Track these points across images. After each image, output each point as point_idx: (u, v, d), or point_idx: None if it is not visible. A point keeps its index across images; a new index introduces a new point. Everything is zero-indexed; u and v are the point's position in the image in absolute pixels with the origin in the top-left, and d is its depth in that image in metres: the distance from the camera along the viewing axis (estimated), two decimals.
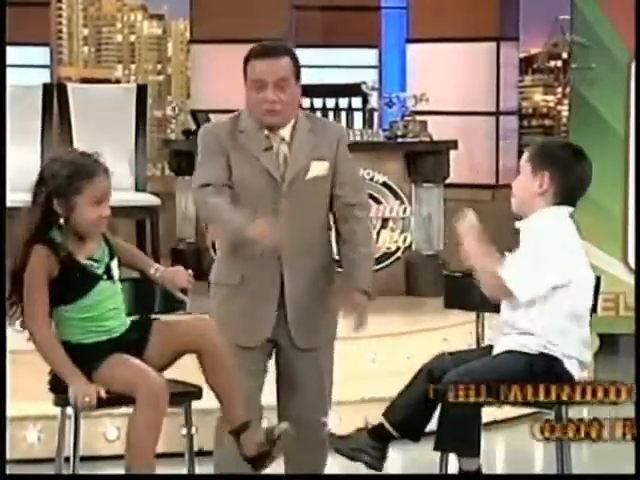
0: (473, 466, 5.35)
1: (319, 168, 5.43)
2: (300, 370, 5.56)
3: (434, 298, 8.43)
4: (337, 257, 5.66)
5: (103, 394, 4.77)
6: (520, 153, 12.41)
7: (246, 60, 5.40)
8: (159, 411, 4.79)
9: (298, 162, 5.42)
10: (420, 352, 6.01)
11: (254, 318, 5.46)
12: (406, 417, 5.38)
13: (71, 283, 4.72)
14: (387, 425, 5.37)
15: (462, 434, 5.26)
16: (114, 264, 4.87)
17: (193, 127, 10.28)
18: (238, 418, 4.97)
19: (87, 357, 4.85)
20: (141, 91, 9.88)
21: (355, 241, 5.50)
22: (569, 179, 5.23)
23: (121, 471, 4.88)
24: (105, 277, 4.80)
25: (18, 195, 8.18)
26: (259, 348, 5.50)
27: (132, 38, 12.59)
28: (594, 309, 5.48)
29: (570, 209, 5.29)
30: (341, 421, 6.20)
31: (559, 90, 11.18)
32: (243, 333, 5.47)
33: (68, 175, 4.72)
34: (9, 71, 9.54)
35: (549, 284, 5.10)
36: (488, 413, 5.94)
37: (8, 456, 6.35)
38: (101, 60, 12.28)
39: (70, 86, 9.78)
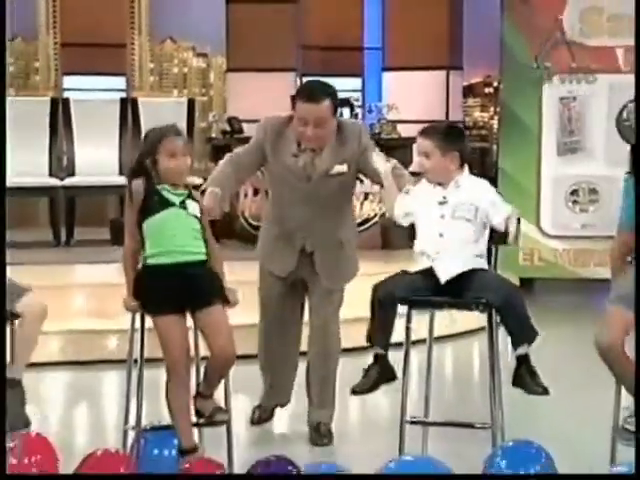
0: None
1: (340, 168, 5.25)
2: (320, 297, 5.42)
3: (402, 250, 7.85)
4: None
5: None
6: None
7: (295, 97, 5.25)
8: (182, 381, 4.48)
9: (322, 167, 5.24)
10: None
11: (283, 257, 5.37)
12: (387, 337, 4.84)
13: (149, 202, 4.48)
14: (378, 350, 4.84)
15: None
16: (192, 203, 4.57)
17: (228, 129, 10.54)
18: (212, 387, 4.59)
19: (150, 275, 4.52)
20: (190, 103, 10.06)
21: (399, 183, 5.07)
22: (466, 149, 4.94)
23: None
24: (178, 205, 4.51)
25: (100, 178, 8.77)
26: (289, 279, 5.41)
27: (185, 70, 12.55)
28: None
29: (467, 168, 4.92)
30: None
31: (492, 109, 11.36)
32: (276, 266, 5.41)
33: (149, 139, 4.56)
34: (98, 94, 9.80)
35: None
36: (442, 328, 6.00)
37: (95, 358, 6.88)
38: (162, 86, 12.21)
39: (140, 100, 10.07)
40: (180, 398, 4.47)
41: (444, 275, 4.79)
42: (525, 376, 4.75)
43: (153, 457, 4.53)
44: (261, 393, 5.70)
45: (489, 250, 5.00)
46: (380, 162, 5.07)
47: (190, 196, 4.59)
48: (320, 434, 5.43)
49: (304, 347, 5.62)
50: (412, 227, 9.21)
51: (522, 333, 4.74)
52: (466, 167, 4.88)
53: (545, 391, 4.73)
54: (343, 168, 5.27)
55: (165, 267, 4.48)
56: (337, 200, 5.37)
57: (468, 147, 5.14)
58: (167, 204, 4.50)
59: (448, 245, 4.78)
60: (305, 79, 5.51)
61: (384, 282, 4.83)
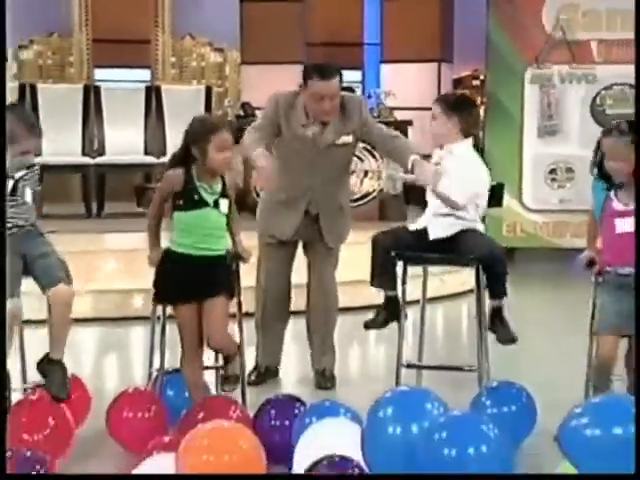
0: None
1: (345, 139, 5.23)
2: (321, 256, 5.43)
3: (397, 221, 7.61)
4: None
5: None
6: None
7: (307, 75, 5.14)
8: (194, 361, 4.46)
9: (328, 138, 5.21)
10: None
11: (287, 220, 5.32)
12: (393, 280, 4.85)
13: (186, 197, 4.31)
14: (389, 292, 4.87)
15: None
16: (224, 201, 4.39)
17: (242, 113, 10.52)
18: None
19: (171, 262, 4.39)
20: (208, 91, 10.11)
21: (402, 145, 5.14)
22: (471, 119, 4.83)
23: None
24: (212, 206, 4.35)
25: (127, 157, 8.69)
26: (288, 244, 5.41)
27: (203, 64, 12.54)
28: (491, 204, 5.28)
29: (471, 140, 4.86)
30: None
31: (479, 99, 11.33)
32: (278, 230, 5.36)
33: (201, 129, 4.33)
34: (127, 85, 9.72)
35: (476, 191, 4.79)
36: (435, 288, 6.00)
37: (123, 314, 6.88)
38: (182, 78, 12.20)
39: (163, 87, 10.06)
40: (193, 374, 4.47)
41: (432, 235, 4.79)
42: (497, 325, 4.80)
43: (174, 393, 4.57)
44: (255, 354, 5.57)
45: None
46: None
47: (223, 194, 4.39)
48: (325, 378, 5.44)
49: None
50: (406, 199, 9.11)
51: (498, 288, 4.76)
52: (469, 139, 4.80)
53: (512, 340, 4.78)
54: (348, 139, 5.24)
55: (188, 257, 4.35)
56: (339, 168, 5.36)
57: (475, 119, 4.98)
58: (202, 204, 4.34)
59: (439, 203, 4.75)
60: None
61: (385, 234, 4.84)
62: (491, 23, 9.40)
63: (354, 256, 5.64)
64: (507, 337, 4.81)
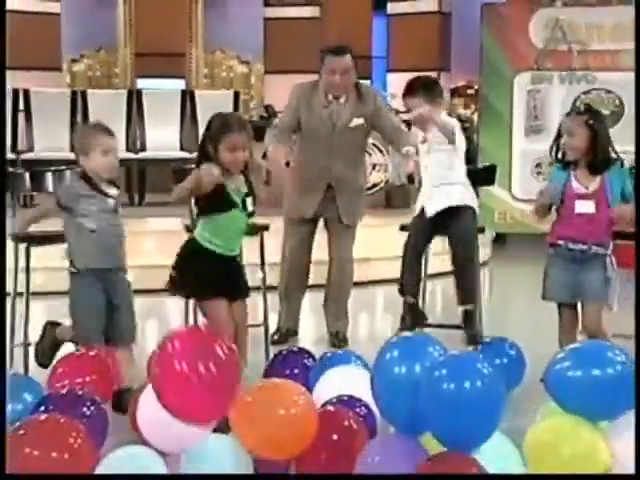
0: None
1: (357, 122, 5.23)
2: (339, 233, 5.39)
3: (401, 209, 8.58)
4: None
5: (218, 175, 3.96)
6: None
7: (323, 55, 5.21)
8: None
9: (344, 117, 5.21)
10: (394, 231, 5.41)
11: (309, 201, 5.31)
12: (417, 287, 4.93)
13: (218, 199, 4.01)
14: (409, 299, 4.90)
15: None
16: (249, 200, 4.10)
17: (265, 114, 10.57)
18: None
19: (205, 257, 4.09)
20: (236, 95, 10.01)
21: (403, 136, 5.23)
22: (431, 93, 4.83)
23: None
24: (240, 207, 4.08)
25: (165, 152, 8.60)
26: (310, 220, 5.39)
27: (231, 74, 12.61)
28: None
29: (443, 112, 4.96)
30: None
31: (473, 106, 11.28)
32: (302, 209, 5.34)
33: (213, 128, 4.03)
34: (167, 95, 9.70)
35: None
36: (436, 266, 5.94)
37: (160, 287, 6.91)
38: (213, 86, 12.31)
39: (197, 92, 9.99)
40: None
41: (430, 210, 4.76)
42: (467, 327, 4.85)
43: None
44: (278, 319, 5.57)
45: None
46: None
47: (249, 192, 4.11)
48: (338, 339, 5.43)
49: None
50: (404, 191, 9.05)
51: (467, 295, 4.80)
52: (442, 110, 4.84)
53: (476, 342, 4.69)
54: (360, 121, 5.22)
55: (218, 256, 4.10)
56: (354, 150, 5.32)
57: (437, 90, 4.93)
58: (233, 205, 4.07)
59: (430, 173, 4.74)
60: None
61: (408, 239, 4.83)
62: (484, 36, 9.45)
63: (363, 237, 5.61)
64: (472, 338, 4.80)
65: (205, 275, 4.08)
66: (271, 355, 4.57)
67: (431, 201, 4.85)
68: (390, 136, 5.34)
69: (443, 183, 4.83)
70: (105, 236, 4.03)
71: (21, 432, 2.92)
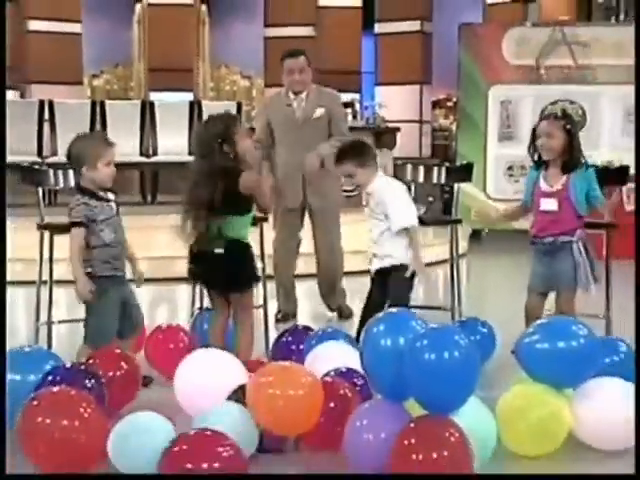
0: None
1: (319, 112, 5.25)
2: (321, 217, 5.38)
3: None
4: None
5: None
6: (434, 145, 12.51)
7: (283, 58, 5.33)
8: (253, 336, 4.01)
9: (308, 110, 5.25)
10: None
11: (292, 192, 5.28)
12: None
13: (251, 201, 3.87)
14: None
15: None
16: None
17: None
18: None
19: (250, 250, 3.94)
20: (239, 105, 9.76)
21: (332, 139, 5.19)
22: (360, 157, 4.15)
23: None
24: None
25: (175, 156, 8.50)
26: (297, 209, 5.38)
27: (235, 88, 12.62)
28: None
29: (378, 172, 4.20)
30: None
31: (452, 117, 11.25)
32: (289, 200, 5.30)
33: (223, 125, 3.81)
34: (176, 106, 9.66)
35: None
36: (433, 255, 5.98)
37: (169, 276, 6.57)
38: (219, 99, 12.32)
39: (203, 102, 9.87)
40: (251, 346, 4.00)
41: (372, 269, 4.30)
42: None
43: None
44: (278, 302, 5.53)
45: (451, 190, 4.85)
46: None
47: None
48: (343, 312, 5.50)
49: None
50: None
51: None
52: (375, 171, 4.16)
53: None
54: (322, 111, 5.26)
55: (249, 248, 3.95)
56: (322, 140, 5.25)
57: (366, 150, 4.22)
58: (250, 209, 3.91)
59: (370, 236, 4.27)
60: None
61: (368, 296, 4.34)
62: (462, 53, 9.33)
63: (350, 231, 5.54)
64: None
65: (254, 267, 3.98)
66: (270, 335, 4.60)
67: (373, 260, 4.31)
68: (335, 135, 5.28)
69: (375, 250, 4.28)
70: (118, 242, 3.94)
71: (35, 402, 2.95)
